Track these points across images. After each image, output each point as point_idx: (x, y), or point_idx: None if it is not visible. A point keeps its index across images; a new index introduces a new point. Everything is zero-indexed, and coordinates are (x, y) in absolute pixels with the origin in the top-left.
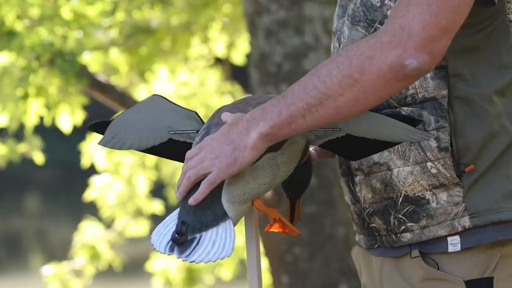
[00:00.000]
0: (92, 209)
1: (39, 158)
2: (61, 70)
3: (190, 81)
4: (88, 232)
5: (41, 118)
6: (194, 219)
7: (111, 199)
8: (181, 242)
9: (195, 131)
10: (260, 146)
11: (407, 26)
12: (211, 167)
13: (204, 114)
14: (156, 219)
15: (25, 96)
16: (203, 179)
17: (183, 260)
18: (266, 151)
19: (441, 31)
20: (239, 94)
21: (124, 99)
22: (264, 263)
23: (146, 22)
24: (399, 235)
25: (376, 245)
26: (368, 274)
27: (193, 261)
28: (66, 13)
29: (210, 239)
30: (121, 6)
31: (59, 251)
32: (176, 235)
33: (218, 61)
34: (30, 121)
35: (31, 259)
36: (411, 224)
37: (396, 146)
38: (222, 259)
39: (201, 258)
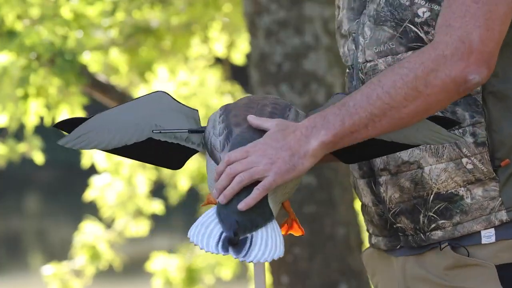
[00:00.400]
0: (92, 209)
1: (39, 158)
2: (61, 70)
3: (190, 81)
4: (88, 232)
5: (41, 118)
6: (243, 219)
7: (111, 199)
8: (235, 242)
9: (187, 130)
10: (320, 154)
11: (467, 40)
12: (267, 172)
13: (204, 114)
14: (156, 219)
15: (25, 96)
16: (251, 183)
17: (240, 260)
18: None
19: (496, 44)
20: (239, 94)
21: (124, 99)
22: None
23: (146, 22)
24: (428, 233)
25: (398, 246)
26: (387, 277)
27: (251, 261)
28: (66, 13)
29: (262, 239)
30: (121, 6)
31: (59, 251)
32: (233, 235)
33: (218, 61)
34: (30, 121)
35: (31, 259)
36: (442, 221)
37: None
38: (276, 259)
39: (257, 258)
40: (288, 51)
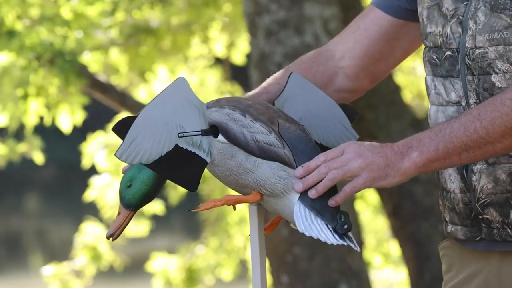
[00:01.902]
0: (92, 209)
1: (39, 158)
2: (61, 70)
3: (190, 81)
4: (89, 232)
5: (41, 118)
6: (339, 208)
7: (111, 199)
8: (347, 231)
9: (199, 132)
10: (410, 175)
11: None
12: (360, 171)
13: None
14: (156, 219)
15: (25, 96)
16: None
17: (354, 249)
18: None
19: None
20: (239, 94)
21: (124, 99)
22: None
23: (146, 22)
24: None
25: (479, 238)
26: (470, 270)
27: (359, 251)
28: (66, 13)
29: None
30: (121, 6)
31: (59, 251)
32: (346, 225)
33: (218, 61)
34: (30, 121)
35: (31, 259)
36: None
37: None
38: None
39: (355, 246)
40: (288, 51)
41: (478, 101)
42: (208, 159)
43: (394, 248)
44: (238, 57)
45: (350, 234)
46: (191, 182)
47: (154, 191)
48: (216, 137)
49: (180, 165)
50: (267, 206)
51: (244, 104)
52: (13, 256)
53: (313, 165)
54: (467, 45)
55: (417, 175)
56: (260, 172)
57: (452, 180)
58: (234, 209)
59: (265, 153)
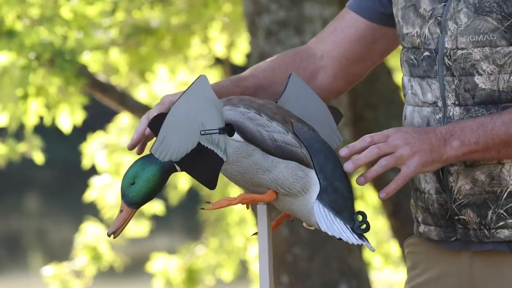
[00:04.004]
0: (92, 209)
1: (39, 158)
2: (61, 70)
3: (190, 81)
4: (89, 232)
5: (41, 118)
6: (355, 210)
7: (111, 199)
8: (365, 232)
9: (217, 130)
10: (448, 162)
11: None
12: (408, 160)
13: None
14: (156, 220)
15: (25, 96)
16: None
17: (372, 251)
18: None
19: None
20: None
21: (124, 99)
22: None
23: (146, 22)
24: (493, 230)
25: (453, 238)
26: (439, 270)
27: (374, 251)
28: (66, 13)
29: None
30: (121, 6)
31: (59, 252)
32: (364, 225)
33: (218, 61)
34: (30, 121)
35: (31, 259)
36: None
37: None
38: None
39: (371, 247)
40: None
41: (457, 102)
42: (224, 158)
43: (394, 248)
44: (238, 57)
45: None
46: (211, 180)
47: (157, 189)
48: (231, 136)
49: (202, 163)
50: (280, 205)
51: (257, 103)
52: (13, 256)
53: (358, 146)
54: (446, 45)
55: (455, 162)
56: (277, 171)
57: (427, 180)
58: (247, 208)
59: (282, 152)
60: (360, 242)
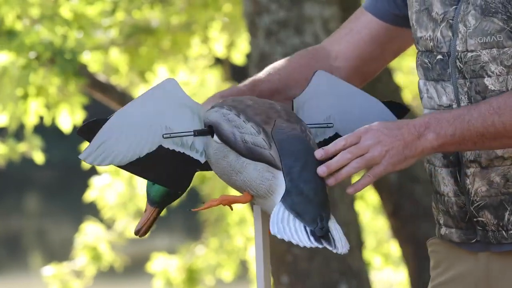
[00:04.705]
0: (92, 209)
1: (39, 158)
2: (61, 70)
3: (190, 81)
4: (89, 233)
5: (41, 118)
6: (325, 212)
7: (111, 199)
8: (324, 234)
9: (191, 133)
10: (427, 154)
11: None
12: (380, 159)
13: None
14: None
15: (25, 96)
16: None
17: (335, 252)
18: None
19: None
20: None
21: (124, 99)
22: None
23: (146, 22)
24: (511, 231)
25: (474, 240)
26: (459, 270)
27: (341, 253)
28: (66, 12)
29: (336, 231)
30: (121, 6)
31: (59, 252)
32: (321, 227)
33: (218, 61)
34: (30, 121)
35: (31, 259)
36: None
37: None
38: (346, 253)
39: (343, 250)
40: (288, 51)
41: (469, 104)
42: (202, 159)
43: (394, 248)
44: (238, 57)
45: (333, 235)
46: (179, 183)
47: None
48: (213, 137)
49: (165, 166)
50: (261, 207)
51: (244, 104)
52: (13, 256)
53: (332, 150)
54: (458, 48)
55: (429, 155)
56: (247, 173)
57: (445, 183)
58: (231, 209)
59: (252, 154)
60: (314, 244)
